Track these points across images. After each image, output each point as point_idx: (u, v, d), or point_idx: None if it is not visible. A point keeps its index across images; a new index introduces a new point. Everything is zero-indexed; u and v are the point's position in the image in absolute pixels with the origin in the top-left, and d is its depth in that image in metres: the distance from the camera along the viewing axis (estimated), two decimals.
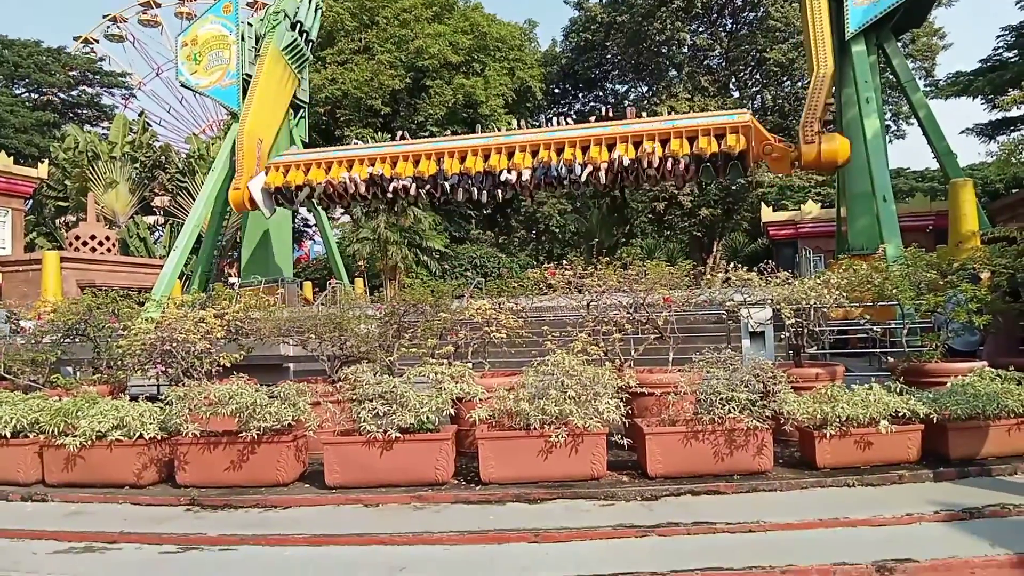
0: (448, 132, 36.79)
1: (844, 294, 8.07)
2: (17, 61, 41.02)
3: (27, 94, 43.54)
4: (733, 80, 41.95)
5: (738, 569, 5.04)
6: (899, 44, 19.75)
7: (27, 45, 41.62)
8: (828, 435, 6.62)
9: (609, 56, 43.01)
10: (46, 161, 27.73)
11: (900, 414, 6.72)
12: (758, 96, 41.29)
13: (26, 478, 7.19)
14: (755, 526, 5.78)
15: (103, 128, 42.64)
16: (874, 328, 10.23)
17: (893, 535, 5.57)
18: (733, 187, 36.41)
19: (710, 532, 5.76)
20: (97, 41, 48.88)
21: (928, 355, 8.17)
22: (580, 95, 46.55)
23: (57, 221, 33.70)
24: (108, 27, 49.05)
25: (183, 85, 21.65)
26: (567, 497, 6.48)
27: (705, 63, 41.78)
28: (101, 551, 5.85)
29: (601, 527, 5.83)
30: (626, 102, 44.55)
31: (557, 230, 44.90)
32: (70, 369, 10.50)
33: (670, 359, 8.17)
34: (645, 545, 5.60)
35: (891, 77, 23.23)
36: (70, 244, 22.73)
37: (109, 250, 23.10)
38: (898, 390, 6.99)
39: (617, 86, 45.74)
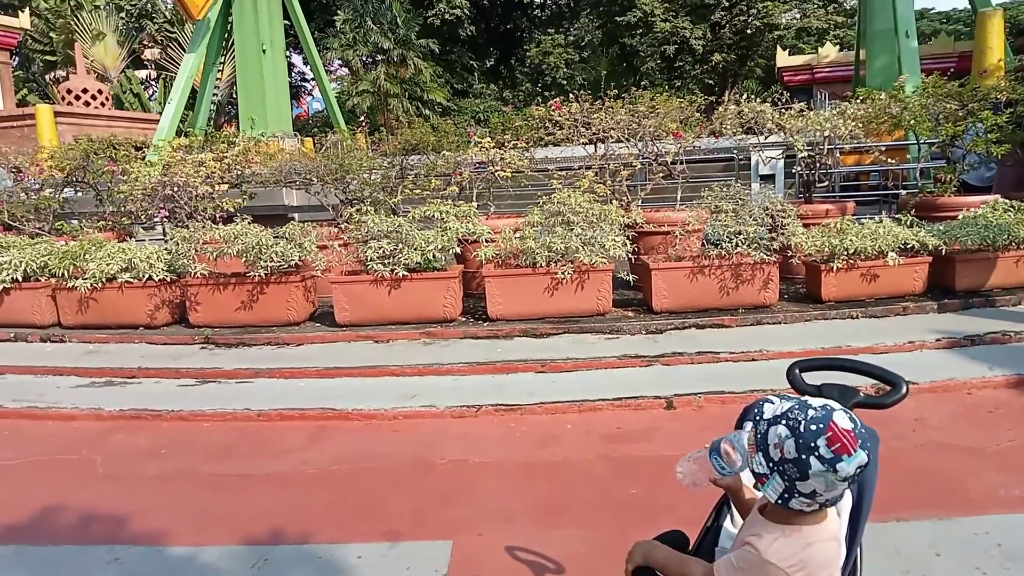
0: None
1: (859, 125, 7.79)
2: None
3: None
4: None
5: (740, 392, 5.18)
6: None
7: None
8: (835, 268, 6.61)
9: None
10: (27, 11, 26.38)
11: (909, 246, 6.67)
12: None
13: (43, 320, 7.33)
14: (757, 355, 5.90)
15: None
16: (890, 160, 9.96)
17: (894, 361, 5.67)
18: (748, 30, 34.68)
19: (713, 361, 5.89)
20: None
21: (942, 189, 8.00)
22: None
23: (47, 77, 32.60)
24: None
25: None
26: (573, 332, 6.59)
27: None
28: (121, 385, 6.05)
29: (606, 358, 5.96)
30: None
31: (564, 82, 43.29)
32: (75, 222, 10.48)
33: (678, 198, 8.04)
34: (649, 373, 5.74)
35: None
36: (62, 98, 22.01)
37: (103, 104, 22.39)
38: (908, 223, 6.91)
39: None
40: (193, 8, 16.48)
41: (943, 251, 6.67)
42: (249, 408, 5.33)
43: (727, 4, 33.76)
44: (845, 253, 6.56)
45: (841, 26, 32.66)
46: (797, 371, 2.00)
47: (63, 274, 7.05)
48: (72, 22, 30.30)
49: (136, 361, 6.41)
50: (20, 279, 7.23)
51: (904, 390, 1.84)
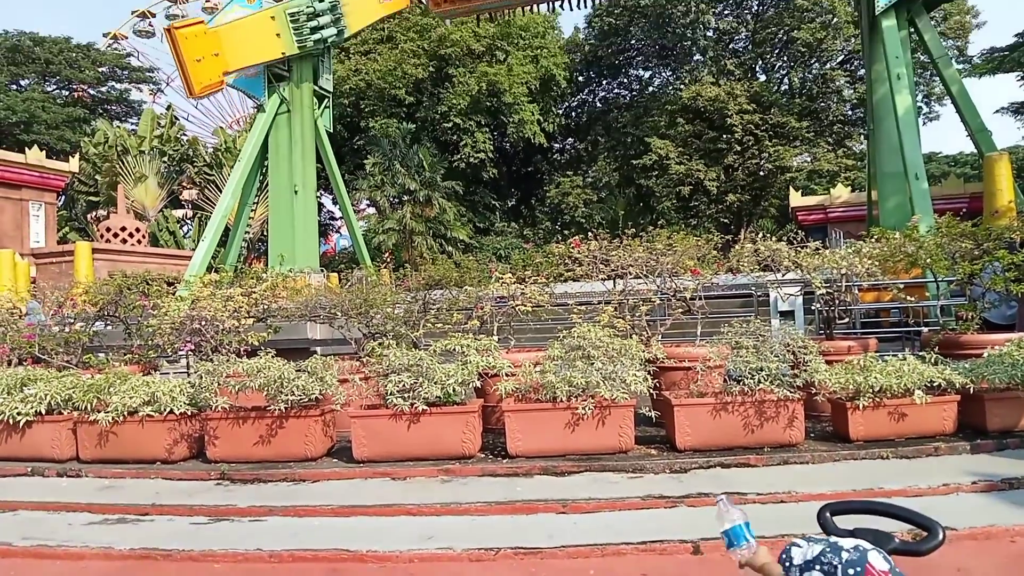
0: (472, 122, 36.72)
1: (876, 264, 7.89)
2: (48, 58, 41.66)
3: (58, 90, 44.20)
4: (759, 62, 41.37)
5: (770, 536, 4.95)
6: (931, 21, 19.19)
7: (58, 42, 42.20)
8: (861, 406, 6.49)
9: (633, 41, 42.67)
10: (77, 156, 28.15)
11: (935, 384, 6.57)
12: (785, 79, 40.71)
13: (61, 455, 7.31)
14: (787, 496, 5.70)
15: (132, 123, 43.20)
16: (909, 299, 9.99)
17: (930, 505, 5.44)
18: (761, 172, 35.97)
19: (740, 503, 5.68)
20: (126, 37, 48.98)
21: (964, 326, 7.96)
22: (604, 82, 46.21)
23: (89, 216, 34.25)
24: (137, 23, 49.27)
25: None
26: (595, 470, 6.43)
27: (730, 46, 41.24)
28: (134, 522, 5.93)
29: (629, 498, 5.78)
30: (649, 88, 44.10)
31: (583, 220, 44.75)
32: (102, 355, 10.66)
33: (698, 333, 8.06)
34: (674, 515, 5.55)
35: (923, 57, 22.69)
36: (101, 236, 23.06)
37: (139, 242, 23.40)
38: (932, 360, 6.83)
39: (640, 71, 45.33)
40: (196, 84, 17.00)
41: (971, 390, 6.56)
42: (261, 548, 5.17)
43: (739, 148, 35.21)
44: (871, 391, 6.46)
45: (851, 168, 33.83)
46: (828, 514, 1.94)
47: (86, 407, 7.10)
48: (117, 166, 32.22)
49: (151, 497, 6.31)
50: (43, 412, 7.28)
51: (941, 536, 1.78)
